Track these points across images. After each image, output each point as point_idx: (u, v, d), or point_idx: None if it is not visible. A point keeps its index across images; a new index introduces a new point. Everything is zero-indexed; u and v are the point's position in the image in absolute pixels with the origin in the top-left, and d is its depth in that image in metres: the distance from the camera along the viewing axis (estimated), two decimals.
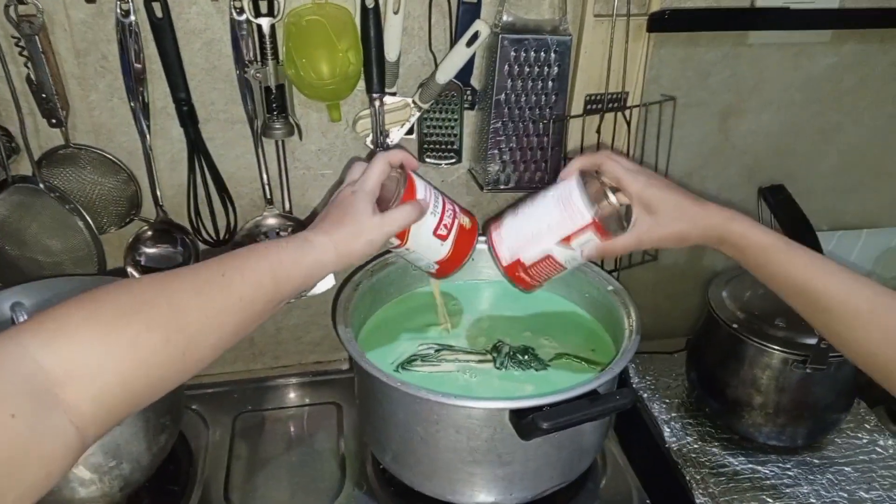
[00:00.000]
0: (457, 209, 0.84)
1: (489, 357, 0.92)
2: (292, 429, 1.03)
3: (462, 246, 0.83)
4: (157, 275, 0.58)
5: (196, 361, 0.57)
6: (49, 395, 0.46)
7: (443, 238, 0.81)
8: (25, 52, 0.84)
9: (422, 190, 0.79)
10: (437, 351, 0.91)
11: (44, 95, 0.87)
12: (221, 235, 1.01)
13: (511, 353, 0.92)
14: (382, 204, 0.74)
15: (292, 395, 1.10)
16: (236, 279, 0.60)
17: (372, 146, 0.97)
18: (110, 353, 0.50)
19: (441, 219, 0.80)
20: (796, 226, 0.95)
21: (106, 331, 0.50)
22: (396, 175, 0.76)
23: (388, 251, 0.95)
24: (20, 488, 0.44)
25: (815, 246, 0.92)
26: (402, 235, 0.78)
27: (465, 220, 0.84)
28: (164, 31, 0.86)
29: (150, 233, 0.99)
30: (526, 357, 0.92)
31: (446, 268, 0.84)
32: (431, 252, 0.82)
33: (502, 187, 1.02)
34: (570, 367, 0.92)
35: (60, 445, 0.47)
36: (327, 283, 1.03)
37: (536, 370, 0.90)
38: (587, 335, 0.98)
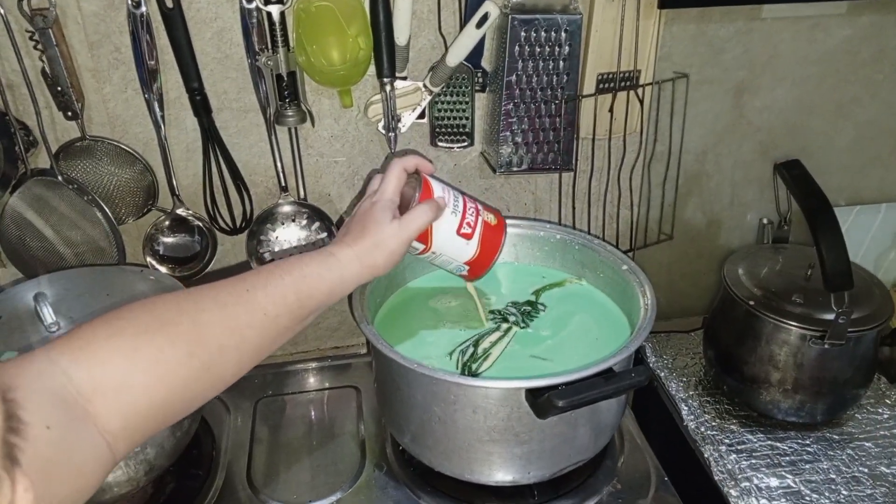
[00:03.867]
0: (479, 207, 0.83)
1: (510, 325, 0.94)
2: (312, 412, 1.04)
3: (490, 243, 0.82)
4: (182, 291, 0.59)
5: (220, 377, 0.58)
6: (80, 408, 0.47)
7: (468, 237, 0.80)
8: (40, 46, 0.85)
9: (439, 190, 0.78)
10: (476, 345, 0.90)
11: (59, 88, 0.88)
12: (238, 223, 1.02)
13: (520, 311, 0.96)
14: (402, 210, 0.74)
15: (312, 379, 1.12)
16: (259, 295, 0.60)
17: (384, 131, 0.98)
18: (134, 369, 0.51)
19: (463, 217, 0.79)
20: (812, 202, 0.94)
21: (130, 347, 0.52)
22: (413, 181, 0.77)
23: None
24: (54, 501, 0.44)
25: (832, 222, 0.91)
26: (426, 240, 0.77)
27: (490, 217, 0.83)
28: (175, 21, 0.87)
29: (167, 222, 1.00)
30: (527, 307, 0.96)
31: (477, 268, 0.83)
32: (459, 252, 0.81)
33: (515, 169, 1.02)
34: (560, 295, 1.00)
35: (92, 458, 0.48)
36: None
37: (542, 310, 0.96)
38: (603, 314, 0.98)
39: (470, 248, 0.81)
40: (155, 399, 0.52)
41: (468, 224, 0.79)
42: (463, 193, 0.82)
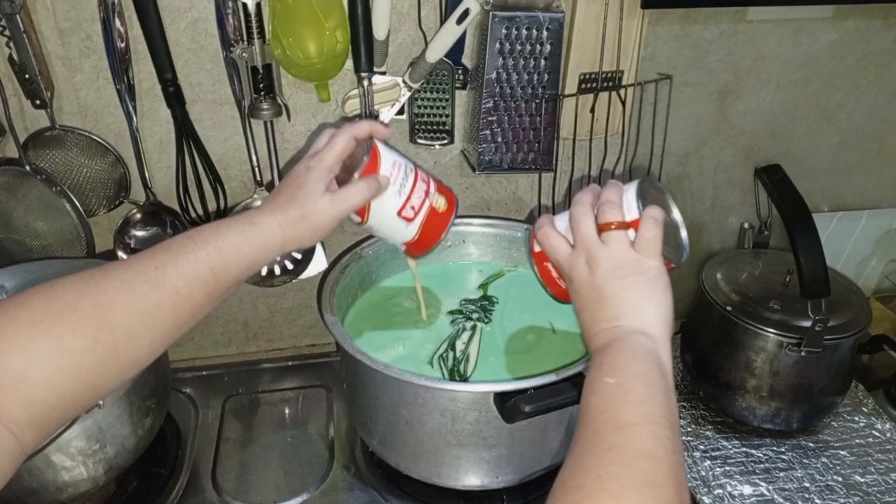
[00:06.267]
0: (431, 189, 0.78)
1: (474, 322, 0.94)
2: (282, 411, 1.03)
3: (431, 230, 0.78)
4: (85, 272, 0.55)
5: (133, 361, 0.55)
6: None
7: (408, 220, 0.75)
8: (7, 32, 0.83)
9: (388, 165, 0.72)
10: (452, 349, 0.89)
11: (27, 76, 0.85)
12: (211, 217, 1.01)
13: (479, 307, 0.97)
14: (346, 176, 0.70)
15: (283, 378, 1.10)
16: (171, 273, 0.57)
17: None
18: (32, 360, 0.49)
19: (408, 199, 0.74)
20: (791, 208, 0.94)
21: (26, 337, 0.49)
22: (364, 146, 0.71)
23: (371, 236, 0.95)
24: None
25: (809, 228, 0.90)
26: (363, 213, 0.73)
27: (439, 202, 0.78)
28: (147, 9, 0.85)
29: (139, 215, 0.98)
30: (484, 302, 0.98)
31: (415, 249, 0.80)
32: (396, 233, 0.77)
33: (495, 169, 1.00)
34: (506, 287, 1.02)
35: None
36: (320, 265, 1.03)
37: (496, 303, 0.98)
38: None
39: (409, 231, 0.77)
40: (59, 389, 0.50)
41: (412, 207, 0.75)
42: (417, 170, 0.77)
